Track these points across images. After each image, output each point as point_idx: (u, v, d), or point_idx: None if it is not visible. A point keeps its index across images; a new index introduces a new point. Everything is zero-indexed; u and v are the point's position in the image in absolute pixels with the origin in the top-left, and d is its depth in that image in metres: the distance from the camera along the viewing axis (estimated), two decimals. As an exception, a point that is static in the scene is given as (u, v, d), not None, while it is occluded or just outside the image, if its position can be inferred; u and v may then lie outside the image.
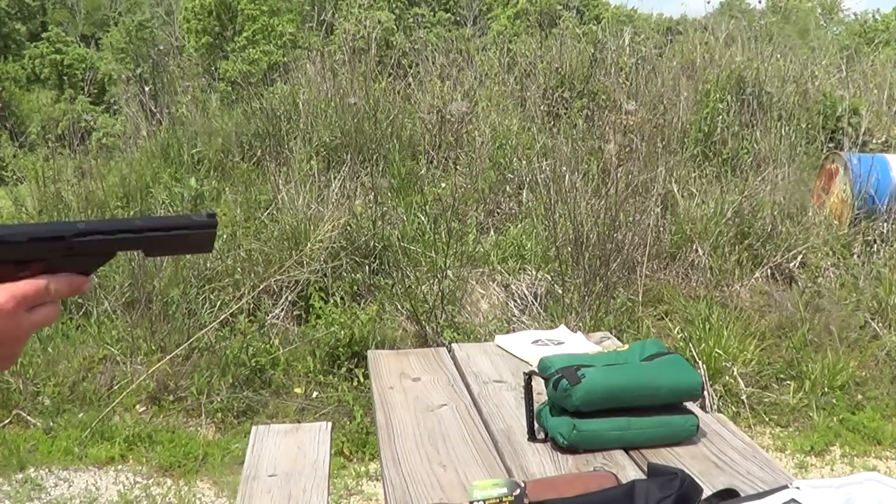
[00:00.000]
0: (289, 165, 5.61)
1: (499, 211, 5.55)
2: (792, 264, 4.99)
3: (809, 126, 6.37)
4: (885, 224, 5.16)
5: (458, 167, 5.87)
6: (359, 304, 4.42)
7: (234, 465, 3.39)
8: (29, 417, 3.80)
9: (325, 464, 2.30)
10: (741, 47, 7.25)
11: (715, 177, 5.80)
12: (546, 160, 5.54)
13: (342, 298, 4.45)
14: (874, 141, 6.21)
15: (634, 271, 4.67)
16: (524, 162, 5.70)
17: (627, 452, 1.56)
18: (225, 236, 4.84)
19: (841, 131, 6.29)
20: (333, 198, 5.03)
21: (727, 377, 4.05)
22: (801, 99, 6.60)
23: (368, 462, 3.59)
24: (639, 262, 4.68)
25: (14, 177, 5.92)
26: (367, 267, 4.66)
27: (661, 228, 5.02)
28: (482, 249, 4.93)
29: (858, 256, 5.06)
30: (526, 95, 6.80)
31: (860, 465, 3.63)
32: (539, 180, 5.30)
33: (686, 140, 6.16)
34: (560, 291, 4.43)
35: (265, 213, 5.07)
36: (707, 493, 1.30)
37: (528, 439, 1.61)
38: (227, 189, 5.47)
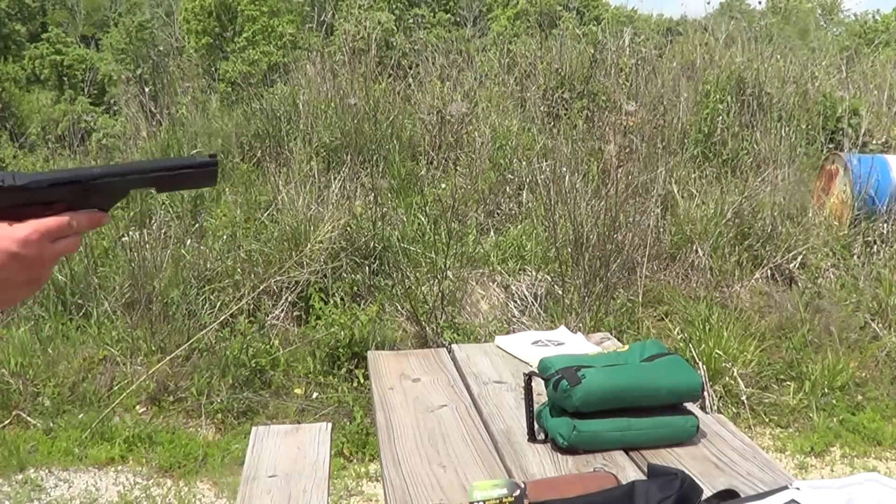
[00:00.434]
0: (289, 166, 5.61)
1: (499, 212, 5.55)
2: (792, 265, 4.99)
3: (809, 127, 6.37)
4: (885, 225, 5.16)
5: (458, 168, 5.88)
6: (359, 305, 4.42)
7: (234, 466, 3.39)
8: (29, 418, 3.80)
9: (325, 464, 2.30)
10: (741, 48, 7.25)
11: (715, 177, 5.80)
12: (546, 161, 5.54)
13: (342, 299, 4.45)
14: (874, 142, 6.21)
15: (634, 272, 4.67)
16: (524, 163, 5.70)
17: (627, 453, 1.56)
18: (225, 237, 4.84)
19: (841, 132, 6.30)
20: (333, 198, 5.03)
21: (727, 378, 4.05)
22: (801, 100, 6.60)
23: (368, 463, 3.59)
24: (639, 263, 4.68)
25: (14, 177, 5.90)
26: (367, 268, 4.66)
27: (661, 229, 5.02)
28: (482, 250, 4.93)
29: (858, 257, 5.06)
30: (526, 96, 6.81)
31: (860, 466, 3.63)
32: (539, 181, 5.30)
33: (686, 141, 6.16)
34: (560, 292, 4.43)
35: (265, 214, 5.07)
36: (707, 493, 1.30)
37: (528, 440, 1.61)
38: (226, 190, 5.47)
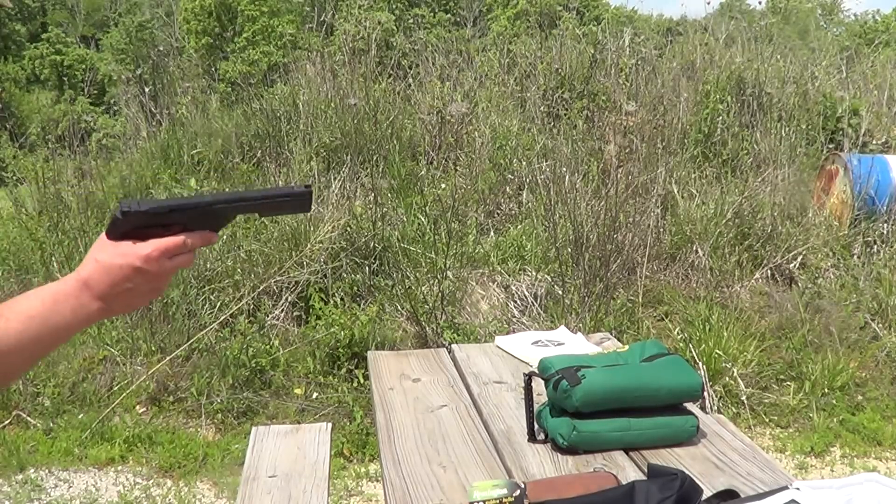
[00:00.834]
0: (289, 166, 5.61)
1: (499, 212, 5.55)
2: (792, 265, 5.00)
3: (809, 127, 6.37)
4: (885, 225, 5.17)
5: (458, 168, 5.88)
6: (359, 305, 4.42)
7: (234, 466, 3.39)
8: (29, 418, 3.80)
9: (325, 465, 2.30)
10: (741, 48, 7.25)
11: (715, 178, 5.80)
12: (546, 161, 5.54)
13: (342, 299, 4.45)
14: (874, 142, 6.21)
15: (634, 272, 4.67)
16: (524, 163, 5.70)
17: (627, 453, 1.56)
18: (225, 237, 4.84)
19: (841, 132, 6.30)
20: (333, 199, 5.03)
21: (727, 378, 4.05)
22: (801, 100, 6.60)
23: (368, 463, 3.59)
24: (639, 263, 4.68)
25: (14, 178, 5.91)
26: (367, 268, 4.66)
27: (661, 229, 5.02)
28: (482, 250, 4.93)
29: (858, 257, 5.06)
30: (526, 96, 6.81)
31: (860, 466, 3.63)
32: (539, 181, 5.30)
33: (686, 141, 6.16)
34: (560, 292, 4.43)
35: (265, 214, 5.06)
36: (707, 493, 1.30)
37: (528, 440, 1.61)
38: (227, 190, 5.47)
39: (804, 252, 5.02)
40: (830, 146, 6.27)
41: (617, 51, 7.05)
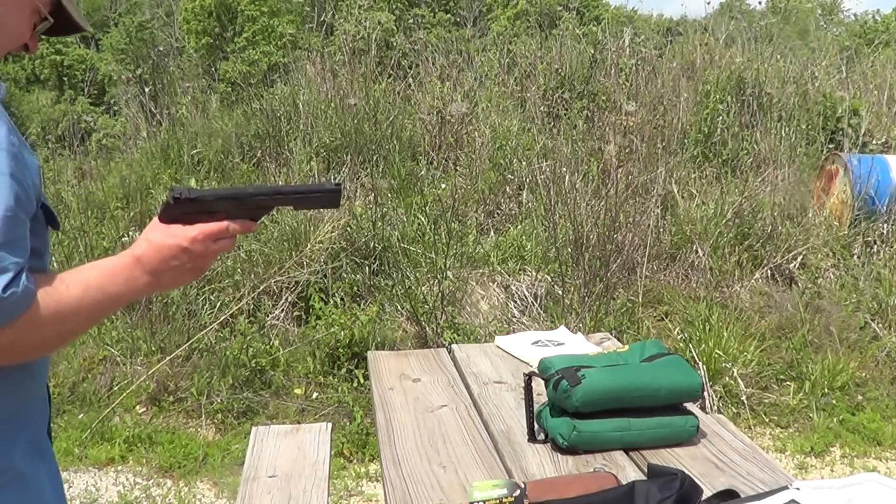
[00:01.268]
0: (289, 166, 5.61)
1: (499, 212, 5.55)
2: (792, 265, 4.99)
3: (809, 127, 6.36)
4: (885, 225, 5.16)
5: (458, 168, 5.88)
6: (359, 305, 4.42)
7: (234, 466, 3.39)
8: (29, 418, 3.79)
9: (325, 465, 2.30)
10: (741, 48, 7.25)
11: (715, 178, 5.80)
12: (546, 161, 5.54)
13: (342, 299, 4.45)
14: (874, 142, 6.21)
15: (634, 272, 4.67)
16: (524, 163, 5.70)
17: (627, 453, 1.56)
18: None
19: (841, 132, 6.29)
20: (333, 198, 5.02)
21: (727, 378, 4.05)
22: (801, 100, 6.60)
23: (368, 463, 3.59)
24: (639, 263, 4.68)
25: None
26: (367, 268, 4.66)
27: (661, 229, 5.02)
28: (482, 250, 4.93)
29: (858, 257, 5.06)
30: (526, 96, 6.81)
31: (860, 466, 3.63)
32: (539, 181, 5.30)
33: (686, 141, 6.16)
34: (560, 292, 4.43)
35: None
36: (707, 493, 1.30)
37: (528, 440, 1.61)
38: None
39: (804, 252, 5.02)
40: (830, 146, 6.26)
41: (617, 51, 7.05)
